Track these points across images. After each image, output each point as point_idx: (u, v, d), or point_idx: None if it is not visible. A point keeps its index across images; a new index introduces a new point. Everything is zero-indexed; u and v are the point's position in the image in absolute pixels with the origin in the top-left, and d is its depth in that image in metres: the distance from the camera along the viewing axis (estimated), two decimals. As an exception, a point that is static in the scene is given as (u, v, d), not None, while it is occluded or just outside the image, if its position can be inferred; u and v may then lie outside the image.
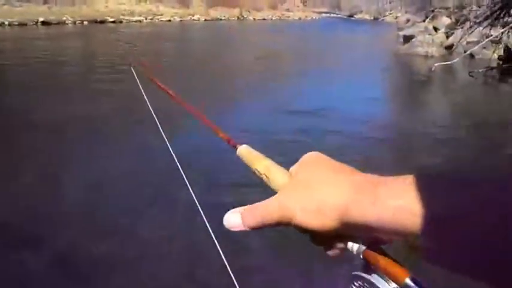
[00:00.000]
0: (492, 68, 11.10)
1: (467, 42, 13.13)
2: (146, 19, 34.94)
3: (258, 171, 0.55)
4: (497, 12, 9.89)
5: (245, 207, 0.45)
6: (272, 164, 0.55)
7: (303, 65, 12.58)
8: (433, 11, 22.05)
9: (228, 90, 8.73)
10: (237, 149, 0.66)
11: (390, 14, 52.33)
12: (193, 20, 38.84)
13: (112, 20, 30.78)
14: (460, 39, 12.44)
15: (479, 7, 11.59)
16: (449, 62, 10.98)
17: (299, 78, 10.13)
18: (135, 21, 33.08)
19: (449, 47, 15.24)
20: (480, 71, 10.75)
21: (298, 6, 73.97)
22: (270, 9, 59.65)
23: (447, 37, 16.64)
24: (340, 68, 12.24)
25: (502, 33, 10.60)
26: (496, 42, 11.44)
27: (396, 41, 20.36)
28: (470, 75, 10.69)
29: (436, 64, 11.00)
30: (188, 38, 23.49)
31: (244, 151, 0.63)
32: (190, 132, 4.54)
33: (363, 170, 0.42)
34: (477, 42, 12.35)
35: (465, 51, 12.50)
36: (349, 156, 4.65)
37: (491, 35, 10.86)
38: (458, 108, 8.18)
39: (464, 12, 18.42)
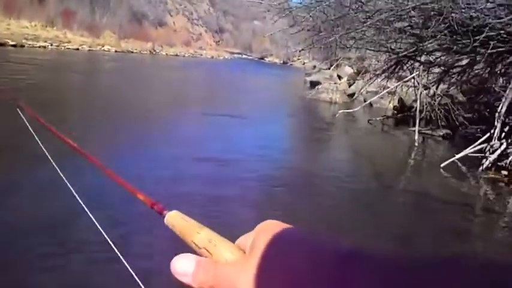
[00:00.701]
0: (388, 117, 12.10)
1: (367, 92, 14.22)
2: (52, 45, 33.31)
3: (196, 245, 0.47)
4: (393, 67, 10.86)
5: (201, 258, 0.42)
6: (214, 235, 0.47)
7: (213, 107, 12.65)
8: (337, 60, 23.52)
9: (130, 133, 8.01)
10: (164, 216, 0.56)
11: (298, 59, 55.39)
12: (104, 50, 37.76)
13: (13, 43, 28.88)
14: (361, 88, 13.45)
15: (378, 61, 12.63)
16: (351, 110, 11.75)
17: (208, 121, 10.09)
18: (38, 47, 31.34)
19: (351, 95, 16.39)
20: (378, 119, 11.69)
21: (211, 45, 75.50)
22: (183, 45, 60.15)
23: (349, 85, 17.92)
24: (250, 110, 12.50)
25: (397, 86, 11.62)
26: (392, 93, 12.51)
27: (304, 86, 21.45)
28: (369, 122, 11.56)
29: (340, 111, 11.75)
30: (94, 69, 22.70)
31: (175, 218, 0.53)
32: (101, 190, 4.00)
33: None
34: (375, 93, 13.44)
35: (365, 100, 13.52)
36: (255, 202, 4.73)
37: (388, 87, 11.86)
38: (358, 151, 8.81)
39: (365, 63, 20.06)
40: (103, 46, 38.98)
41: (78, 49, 34.89)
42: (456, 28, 7.16)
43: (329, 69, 24.05)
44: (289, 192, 5.46)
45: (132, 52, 40.98)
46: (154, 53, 44.66)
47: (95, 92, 13.26)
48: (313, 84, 20.16)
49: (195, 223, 0.51)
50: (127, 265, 0.70)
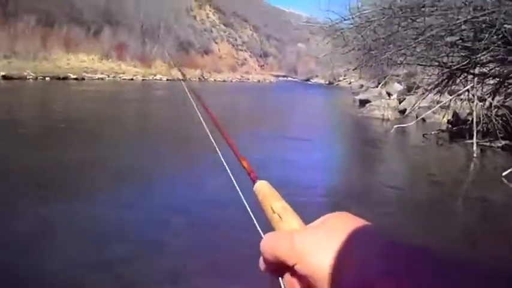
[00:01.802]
0: (443, 131, 12.08)
1: (419, 107, 14.23)
2: (108, 77, 35.24)
3: (272, 209, 0.53)
4: (446, 81, 10.92)
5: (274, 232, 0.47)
6: (289, 207, 0.53)
7: (273, 129, 13.06)
8: (385, 77, 23.47)
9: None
10: (255, 182, 0.65)
11: (344, 79, 55.44)
12: (155, 79, 39.48)
13: (74, 77, 30.84)
14: (415, 104, 13.48)
15: (428, 76, 12.69)
16: (405, 125, 11.85)
17: (270, 143, 10.31)
18: (97, 79, 33.28)
19: (402, 111, 16.41)
20: (433, 133, 11.71)
21: (256, 69, 76.91)
22: (229, 71, 61.75)
23: (400, 102, 17.93)
24: (307, 131, 12.77)
25: (450, 100, 11.63)
26: (445, 107, 12.49)
27: (353, 105, 21.59)
28: (424, 137, 11.60)
29: (395, 126, 11.88)
30: (153, 97, 23.81)
31: (263, 186, 0.62)
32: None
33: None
34: (428, 108, 13.45)
35: (417, 116, 13.54)
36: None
37: (441, 101, 11.89)
38: (416, 164, 8.93)
39: (413, 80, 20.01)
40: (155, 75, 40.78)
41: (132, 79, 36.69)
42: (510, 39, 7.27)
43: (377, 87, 24.09)
44: (351, 201, 5.74)
45: (183, 80, 42.48)
46: (203, 79, 46.14)
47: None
48: (362, 102, 20.30)
49: (277, 194, 0.58)
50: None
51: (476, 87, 10.19)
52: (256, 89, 36.20)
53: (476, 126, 9.64)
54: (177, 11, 57.38)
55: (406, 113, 15.12)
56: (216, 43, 75.64)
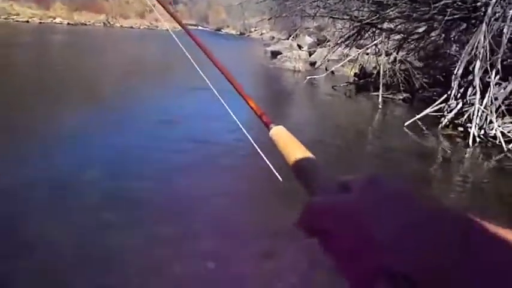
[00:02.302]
0: (350, 83, 12.65)
1: (328, 60, 14.69)
2: (0, 18, 31.66)
3: (296, 160, 0.50)
4: (355, 35, 11.33)
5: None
6: (315, 160, 0.49)
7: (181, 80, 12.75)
8: (296, 30, 23.71)
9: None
10: (270, 128, 0.59)
11: (255, 30, 55.24)
12: (55, 23, 36.26)
13: (-43, 16, 27.29)
14: (325, 57, 13.85)
15: (338, 30, 13.08)
16: (316, 77, 12.19)
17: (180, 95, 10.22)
18: (-15, 20, 29.77)
19: (312, 64, 16.85)
20: (341, 85, 12.22)
21: (165, 17, 73.63)
22: (137, 17, 58.42)
23: (310, 54, 18.36)
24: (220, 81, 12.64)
25: (358, 54, 12.13)
26: (353, 61, 13.02)
27: (265, 56, 21.69)
28: (333, 88, 12.07)
29: (308, 77, 12.17)
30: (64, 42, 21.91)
31: (281, 133, 0.56)
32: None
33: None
34: (337, 61, 13.93)
35: (326, 68, 14.00)
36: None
37: (350, 55, 12.36)
38: (327, 114, 9.33)
39: (323, 33, 20.52)
40: (54, 18, 37.38)
41: (28, 21, 33.38)
42: (417, -4, 7.66)
43: (288, 39, 24.37)
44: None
45: (86, 24, 39.53)
46: (108, 25, 43.27)
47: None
48: (274, 54, 20.44)
49: (300, 143, 0.53)
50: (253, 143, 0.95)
51: (383, 42, 10.70)
52: (165, 37, 34.76)
53: (382, 79, 10.20)
54: None
55: (317, 65, 15.56)
56: (122, -14, 70.81)
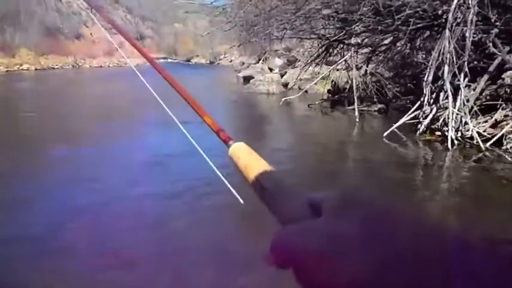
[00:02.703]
0: (325, 100, 12.83)
1: (300, 79, 14.90)
2: (-35, 71, 31.18)
3: (258, 178, 0.46)
4: (324, 53, 11.55)
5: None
6: (280, 176, 0.45)
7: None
8: (265, 53, 24.03)
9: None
10: (229, 145, 0.54)
11: (225, 57, 55.86)
12: (23, 69, 35.90)
13: None
14: (297, 77, 14.05)
15: (306, 50, 13.33)
16: (291, 97, 12.33)
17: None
18: (-50, 74, 29.25)
19: (285, 85, 17.05)
20: (316, 103, 12.37)
21: (133, 53, 73.82)
22: (105, 56, 58.41)
23: (281, 76, 18.60)
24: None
25: (330, 70, 12.36)
26: (325, 78, 13.24)
27: (237, 82, 21.86)
28: (309, 107, 12.21)
29: (283, 99, 12.29)
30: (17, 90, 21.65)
31: (241, 150, 0.52)
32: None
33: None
34: (309, 80, 14.15)
35: (300, 88, 14.19)
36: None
37: (321, 72, 12.57)
38: (305, 133, 9.40)
39: (292, 54, 20.87)
40: (21, 65, 37.03)
41: (-6, 71, 32.93)
42: (380, 9, 7.88)
43: (258, 63, 24.68)
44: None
45: (54, 68, 39.25)
46: (77, 66, 43.09)
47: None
48: (246, 79, 20.63)
49: (262, 159, 0.49)
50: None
51: (352, 56, 10.93)
52: (134, 74, 34.78)
53: (356, 92, 10.37)
54: (39, -7, 52.25)
55: (290, 86, 15.73)
56: (87, 27, 70.82)
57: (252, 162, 0.48)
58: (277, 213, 0.41)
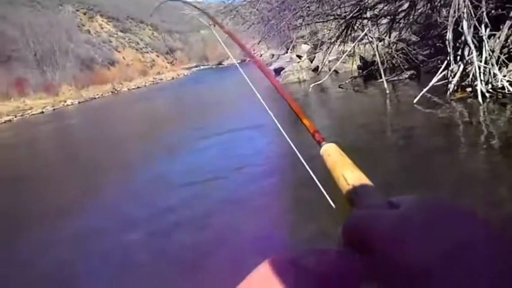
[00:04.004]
0: (356, 77, 12.81)
1: (329, 61, 14.91)
2: (16, 117, 33.19)
3: (345, 180, 0.47)
4: (345, 31, 11.56)
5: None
6: (366, 178, 0.47)
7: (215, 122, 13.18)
8: (291, 42, 24.00)
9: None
10: (321, 145, 0.57)
11: (254, 53, 56.08)
12: (67, 105, 37.77)
13: (-21, 125, 28.78)
14: (323, 60, 14.08)
15: (329, 30, 13.32)
16: (321, 81, 12.42)
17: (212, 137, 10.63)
18: (4, 122, 31.24)
19: (315, 69, 17.09)
20: (347, 81, 12.39)
21: (166, 67, 75.70)
22: (140, 76, 60.31)
23: (311, 61, 18.62)
24: (235, 110, 12.91)
25: (353, 47, 12.33)
26: (351, 55, 13.21)
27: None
28: (340, 87, 12.26)
29: (312, 85, 12.41)
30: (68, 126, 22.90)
31: (332, 150, 0.55)
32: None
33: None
34: (337, 59, 14.14)
35: (329, 69, 14.22)
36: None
37: (346, 50, 12.56)
38: (340, 112, 9.50)
39: (317, 37, 20.79)
40: (65, 101, 38.93)
41: (43, 112, 34.84)
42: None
43: (286, 53, 24.71)
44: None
45: (95, 98, 40.99)
46: (116, 92, 44.76)
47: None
48: (277, 71, 20.78)
49: (351, 161, 0.51)
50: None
51: (372, 30, 10.88)
52: (174, 87, 35.74)
53: (382, 65, 10.34)
54: (68, 30, 54.70)
55: (319, 70, 15.77)
56: (119, 52, 73.34)
57: (340, 163, 0.50)
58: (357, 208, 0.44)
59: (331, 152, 0.54)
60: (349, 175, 0.46)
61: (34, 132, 19.86)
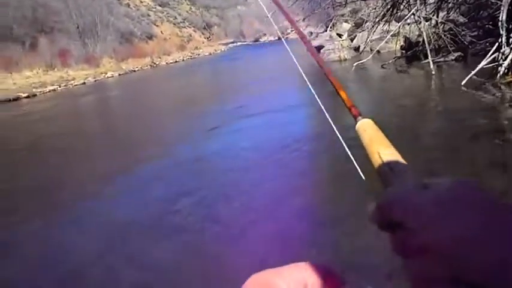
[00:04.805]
0: (399, 58, 12.62)
1: (371, 41, 14.69)
2: (60, 86, 34.25)
3: (380, 157, 0.47)
4: (390, 10, 11.35)
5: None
6: (399, 156, 0.47)
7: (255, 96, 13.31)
8: (331, 20, 23.61)
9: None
10: (357, 120, 0.57)
11: (292, 31, 55.48)
12: (108, 77, 38.65)
13: (25, 95, 29.84)
14: (367, 39, 13.90)
15: (374, 8, 13.10)
16: (364, 61, 12.31)
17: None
18: (49, 91, 32.29)
19: (356, 49, 16.87)
20: (390, 61, 12.24)
21: (203, 43, 75.97)
22: (178, 50, 60.83)
23: (352, 40, 18.37)
24: (282, 84, 12.86)
25: (399, 26, 12.10)
26: (396, 35, 12.98)
27: (307, 54, 21.86)
28: (383, 67, 12.12)
29: (354, 64, 12.32)
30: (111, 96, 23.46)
31: (368, 125, 0.54)
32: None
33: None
34: (379, 39, 13.93)
35: (371, 49, 14.03)
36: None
37: (391, 30, 12.35)
38: (384, 93, 9.43)
39: (359, 16, 20.41)
40: (106, 73, 39.85)
41: (84, 83, 35.79)
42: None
43: (326, 31, 24.38)
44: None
45: (135, 71, 41.73)
46: (154, 65, 45.42)
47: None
48: (318, 49, 20.62)
49: (385, 137, 0.51)
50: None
51: (420, 9, 10.65)
52: (211, 62, 36.01)
53: (428, 45, 10.15)
54: (109, 3, 55.60)
55: (361, 49, 15.57)
56: (157, 26, 73.97)
57: (375, 139, 0.51)
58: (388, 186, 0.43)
59: (367, 128, 0.54)
60: (384, 152, 0.46)
61: (78, 103, 20.52)
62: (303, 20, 14.08)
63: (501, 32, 7.49)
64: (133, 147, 8.07)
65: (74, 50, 44.08)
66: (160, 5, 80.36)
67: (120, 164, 6.69)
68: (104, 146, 8.95)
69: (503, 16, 7.25)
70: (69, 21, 46.91)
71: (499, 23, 7.57)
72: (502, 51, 7.55)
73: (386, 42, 13.82)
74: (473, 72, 7.61)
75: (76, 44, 45.63)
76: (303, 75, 1.29)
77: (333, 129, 0.91)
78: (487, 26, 10.97)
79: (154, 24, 73.77)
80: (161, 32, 72.80)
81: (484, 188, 0.34)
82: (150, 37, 65.95)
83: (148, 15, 74.92)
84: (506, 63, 7.37)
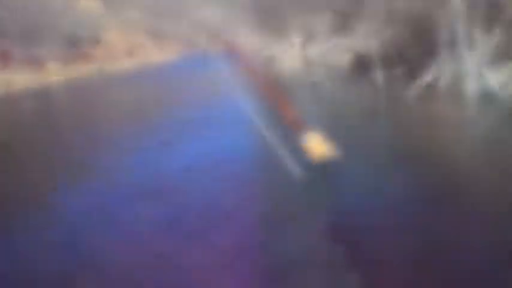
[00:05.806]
0: (348, 70, 13.06)
1: (322, 53, 15.05)
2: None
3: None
4: (341, 24, 11.77)
5: None
6: None
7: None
8: (283, 31, 23.82)
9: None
10: (303, 133, 0.73)
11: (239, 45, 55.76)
12: (53, 82, 37.27)
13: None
14: (316, 52, 14.21)
15: (325, 23, 13.50)
16: (311, 72, 12.57)
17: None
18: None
19: (307, 60, 17.22)
20: (338, 74, 12.63)
21: (154, 50, 74.91)
22: (127, 57, 59.58)
23: (303, 52, 18.69)
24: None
25: (348, 40, 12.54)
26: (345, 48, 13.42)
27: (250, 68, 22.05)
28: (330, 80, 12.50)
29: (302, 75, 12.58)
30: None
31: (315, 138, 0.69)
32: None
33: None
34: (330, 52, 14.29)
35: (321, 61, 14.35)
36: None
37: (341, 43, 12.78)
38: (330, 101, 9.75)
39: (312, 28, 20.86)
40: (51, 77, 38.43)
41: (27, 87, 34.32)
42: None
43: (278, 42, 24.73)
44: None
45: (81, 77, 40.48)
46: (101, 72, 44.27)
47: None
48: (268, 59, 20.84)
49: (327, 147, 0.71)
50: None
51: (369, 24, 11.13)
52: (161, 71, 35.46)
53: (377, 59, 10.56)
54: (55, 6, 53.69)
55: (311, 61, 15.90)
56: (106, 31, 72.31)
57: (317, 147, 0.66)
58: None
59: (312, 139, 0.62)
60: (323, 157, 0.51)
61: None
62: (251, 30, 14.26)
63: (441, 49, 8.03)
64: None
65: (17, 52, 42.21)
66: (110, 10, 78.65)
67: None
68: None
69: (443, 34, 7.78)
70: (13, 23, 44.90)
71: (440, 41, 8.11)
72: (441, 66, 8.09)
73: (335, 55, 14.33)
74: (417, 85, 8.10)
75: (20, 46, 43.71)
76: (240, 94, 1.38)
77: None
78: (430, 42, 11.64)
79: (103, 29, 72.00)
80: (110, 37, 71.13)
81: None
82: (99, 42, 64.25)
83: (97, 19, 73.09)
84: (446, 77, 7.90)
